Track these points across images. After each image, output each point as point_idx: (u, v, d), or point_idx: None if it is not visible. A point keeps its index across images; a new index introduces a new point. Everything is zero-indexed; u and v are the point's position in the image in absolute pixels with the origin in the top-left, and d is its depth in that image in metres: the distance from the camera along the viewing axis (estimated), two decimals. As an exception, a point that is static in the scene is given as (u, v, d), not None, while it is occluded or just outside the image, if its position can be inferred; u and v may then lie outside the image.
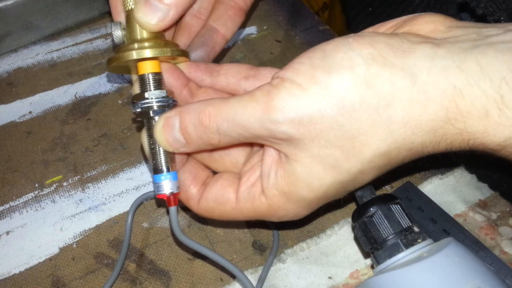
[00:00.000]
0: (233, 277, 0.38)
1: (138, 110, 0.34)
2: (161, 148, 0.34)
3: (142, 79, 0.34)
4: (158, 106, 0.34)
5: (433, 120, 0.27)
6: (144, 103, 0.34)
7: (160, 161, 0.34)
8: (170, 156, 0.34)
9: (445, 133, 0.28)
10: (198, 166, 0.36)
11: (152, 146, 0.34)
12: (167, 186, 0.34)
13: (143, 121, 0.35)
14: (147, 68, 0.34)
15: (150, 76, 0.34)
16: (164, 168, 0.34)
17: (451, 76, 0.27)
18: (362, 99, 0.27)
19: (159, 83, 0.34)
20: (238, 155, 0.36)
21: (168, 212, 0.36)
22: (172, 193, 0.34)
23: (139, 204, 0.42)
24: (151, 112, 0.34)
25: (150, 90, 0.34)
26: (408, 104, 0.27)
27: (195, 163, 0.36)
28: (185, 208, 0.42)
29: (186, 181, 0.35)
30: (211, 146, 0.32)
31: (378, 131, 0.28)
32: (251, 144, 0.36)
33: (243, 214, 0.34)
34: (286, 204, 0.32)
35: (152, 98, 0.34)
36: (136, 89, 0.35)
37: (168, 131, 0.32)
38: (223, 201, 0.34)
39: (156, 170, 0.34)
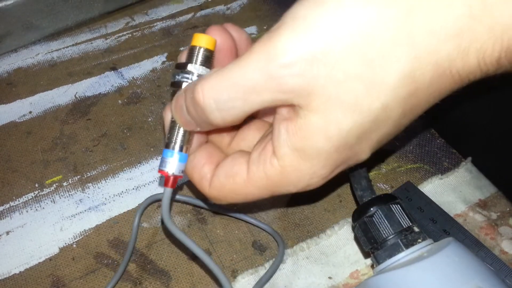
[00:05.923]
0: (233, 278, 0.38)
1: (176, 79, 0.32)
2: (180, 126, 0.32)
3: (191, 50, 0.32)
4: None
5: (457, 19, 0.24)
6: (182, 75, 0.31)
7: (176, 137, 0.32)
8: (187, 136, 0.32)
9: (473, 36, 0.25)
10: (215, 148, 0.34)
11: (173, 119, 0.32)
12: (172, 165, 0.32)
13: (174, 92, 0.32)
14: (201, 42, 0.32)
15: (201, 50, 0.32)
16: (177, 146, 0.32)
17: None
18: (378, 13, 0.24)
19: (206, 60, 0.32)
20: (254, 138, 0.34)
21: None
22: (173, 175, 0.32)
23: (146, 206, 0.42)
24: (183, 85, 0.32)
25: (196, 64, 0.32)
26: (429, 7, 0.24)
27: (213, 145, 0.34)
28: (184, 209, 0.42)
29: (201, 160, 0.33)
30: (216, 127, 0.30)
31: (400, 46, 0.25)
32: (264, 127, 0.34)
33: (255, 185, 0.30)
34: (300, 163, 0.28)
35: (193, 73, 0.31)
36: (182, 58, 0.33)
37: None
38: (233, 173, 0.31)
39: (168, 145, 0.32)
